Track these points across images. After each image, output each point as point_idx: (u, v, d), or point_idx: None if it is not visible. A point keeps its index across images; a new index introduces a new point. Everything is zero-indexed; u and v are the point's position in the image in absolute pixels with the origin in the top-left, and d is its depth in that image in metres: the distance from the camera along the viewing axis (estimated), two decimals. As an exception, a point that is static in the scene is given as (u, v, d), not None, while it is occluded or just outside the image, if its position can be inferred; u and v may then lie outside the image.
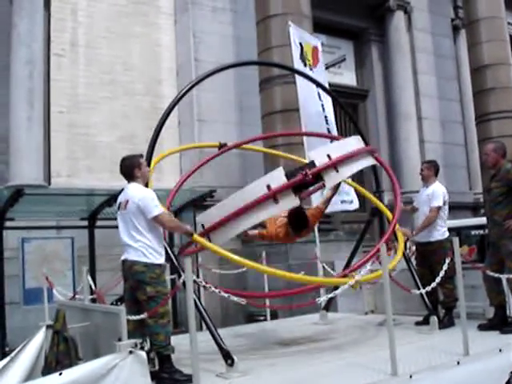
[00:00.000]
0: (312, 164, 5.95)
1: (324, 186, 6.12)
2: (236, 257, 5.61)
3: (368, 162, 6.69)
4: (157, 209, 5.29)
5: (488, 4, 16.10)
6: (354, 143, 6.60)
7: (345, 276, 6.14)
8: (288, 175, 5.76)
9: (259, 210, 5.64)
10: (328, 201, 7.19)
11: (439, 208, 7.39)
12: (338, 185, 7.17)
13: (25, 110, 10.97)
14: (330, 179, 6.04)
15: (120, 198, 5.57)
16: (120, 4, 12.96)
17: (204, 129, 12.93)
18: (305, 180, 5.75)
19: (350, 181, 8.60)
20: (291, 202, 5.78)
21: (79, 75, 12.24)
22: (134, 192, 5.40)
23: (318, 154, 6.14)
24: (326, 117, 10.09)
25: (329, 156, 5.99)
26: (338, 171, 6.02)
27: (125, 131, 12.48)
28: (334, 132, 10.13)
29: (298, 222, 6.70)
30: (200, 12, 13.46)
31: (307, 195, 6.32)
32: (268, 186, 5.62)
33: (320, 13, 14.22)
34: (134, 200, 5.33)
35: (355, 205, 10.14)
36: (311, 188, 6.15)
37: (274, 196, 5.60)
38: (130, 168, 5.54)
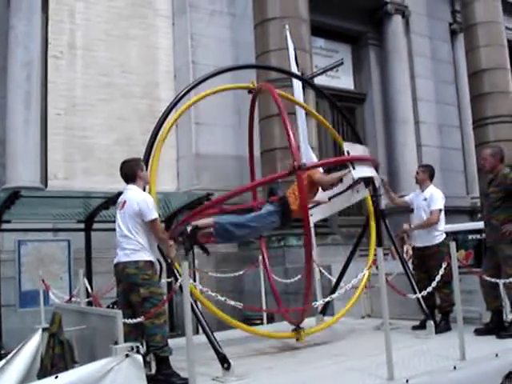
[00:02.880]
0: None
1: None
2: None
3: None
4: (154, 213, 5.35)
5: (486, 9, 16.13)
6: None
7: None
8: None
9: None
10: None
11: (440, 210, 7.39)
12: None
13: (22, 112, 10.97)
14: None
15: (120, 198, 5.62)
16: (118, 6, 12.97)
17: (201, 132, 12.93)
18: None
19: None
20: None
21: (77, 77, 12.23)
22: (134, 194, 5.44)
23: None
24: None
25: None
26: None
27: (122, 134, 12.47)
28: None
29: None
30: (198, 15, 13.46)
31: None
32: None
33: (318, 16, 14.25)
34: (131, 202, 5.38)
35: None
36: None
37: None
38: (133, 169, 5.58)
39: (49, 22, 12.04)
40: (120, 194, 5.79)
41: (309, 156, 9.31)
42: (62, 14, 12.25)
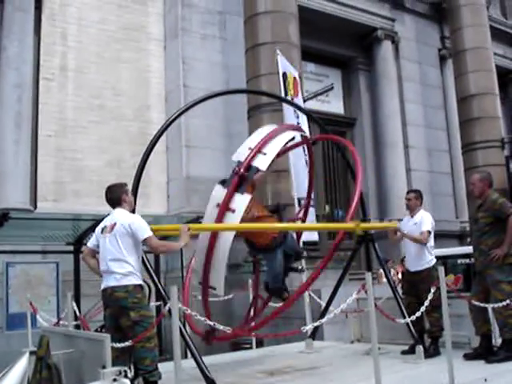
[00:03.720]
0: (239, 163, 6.39)
1: (259, 170, 6.35)
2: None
3: (288, 135, 7.02)
4: (148, 231, 5.37)
5: (474, 35, 16.37)
6: (268, 128, 7.00)
7: None
8: (223, 183, 6.36)
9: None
10: None
11: (429, 232, 7.40)
12: None
13: (12, 133, 10.97)
14: (262, 162, 6.36)
15: (105, 222, 5.59)
16: (110, 30, 13.04)
17: (192, 155, 12.94)
18: (241, 177, 6.19)
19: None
20: (244, 200, 6.11)
21: (68, 99, 12.24)
22: (124, 216, 5.44)
23: (241, 151, 6.58)
24: (303, 148, 10.08)
25: (250, 148, 6.45)
26: (264, 154, 6.41)
27: (112, 156, 12.46)
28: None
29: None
30: (190, 39, 13.55)
31: (252, 186, 6.40)
32: (218, 205, 6.16)
33: (309, 41, 14.39)
34: (123, 222, 5.37)
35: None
36: (251, 178, 6.34)
37: (227, 208, 6.06)
38: (119, 194, 5.60)
39: (41, 44, 12.08)
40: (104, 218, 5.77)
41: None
42: (55, 36, 12.30)
